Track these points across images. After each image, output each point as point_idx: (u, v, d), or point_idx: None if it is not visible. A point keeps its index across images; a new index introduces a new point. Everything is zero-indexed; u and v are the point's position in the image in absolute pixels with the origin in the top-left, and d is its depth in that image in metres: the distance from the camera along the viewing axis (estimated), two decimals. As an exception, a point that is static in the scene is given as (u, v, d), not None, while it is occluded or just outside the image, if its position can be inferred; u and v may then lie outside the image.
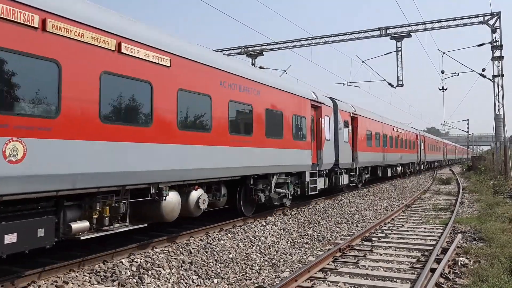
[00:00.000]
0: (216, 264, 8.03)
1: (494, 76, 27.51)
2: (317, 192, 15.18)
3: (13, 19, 5.40)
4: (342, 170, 18.21)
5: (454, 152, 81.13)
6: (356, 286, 7.02)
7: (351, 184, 19.67)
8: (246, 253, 9.01)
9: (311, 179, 14.69)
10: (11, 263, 7.03)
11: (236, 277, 7.65)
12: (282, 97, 12.76)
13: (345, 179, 18.60)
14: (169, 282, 6.92)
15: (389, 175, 27.41)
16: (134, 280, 6.67)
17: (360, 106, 22.26)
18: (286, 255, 9.42)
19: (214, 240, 9.22)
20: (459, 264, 8.25)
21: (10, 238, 5.43)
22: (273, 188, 12.36)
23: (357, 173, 20.36)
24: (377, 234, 11.40)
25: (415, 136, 36.04)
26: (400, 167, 30.79)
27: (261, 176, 11.85)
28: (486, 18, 26.84)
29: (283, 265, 8.60)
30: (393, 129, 27.80)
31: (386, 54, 29.87)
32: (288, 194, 13.30)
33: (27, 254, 7.56)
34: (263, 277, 7.72)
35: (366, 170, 22.46)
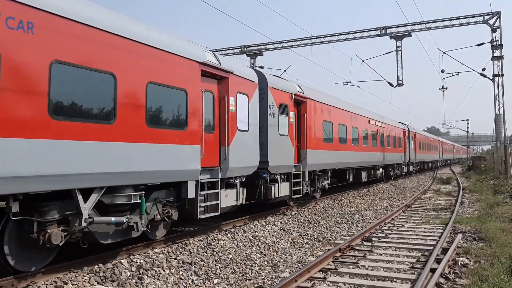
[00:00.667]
0: (215, 265, 8.01)
1: (494, 75, 27.50)
2: (219, 213, 9.68)
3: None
4: (278, 177, 12.51)
5: (452, 151, 75.48)
6: (356, 286, 7.01)
7: (295, 196, 13.74)
8: (246, 253, 9.00)
9: (207, 192, 9.35)
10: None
11: (236, 278, 7.64)
12: (112, 45, 6.95)
13: (283, 189, 12.82)
14: (168, 283, 6.91)
15: (364, 179, 21.61)
16: (134, 281, 6.66)
17: (313, 87, 17.49)
18: (286, 255, 9.41)
19: (214, 240, 9.21)
20: (459, 264, 8.24)
21: None
22: (84, 217, 6.50)
23: (307, 180, 14.52)
24: (377, 234, 11.38)
25: (402, 132, 31.08)
26: (381, 170, 25.25)
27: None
28: (486, 17, 26.83)
29: (283, 265, 8.58)
30: (369, 122, 22.59)
31: (386, 53, 29.89)
32: (138, 223, 7.50)
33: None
34: (263, 277, 7.71)
35: (326, 175, 16.58)
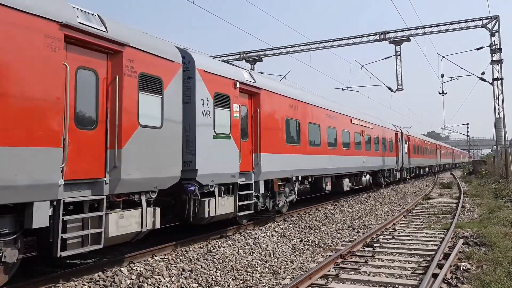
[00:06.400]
0: (216, 272, 7.97)
1: (493, 79, 27.52)
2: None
3: None
4: (216, 189, 9.86)
5: (451, 156, 74.66)
6: (357, 293, 6.96)
7: (242, 213, 10.95)
8: (246, 260, 8.96)
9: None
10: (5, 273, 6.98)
11: (236, 285, 7.59)
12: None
13: (224, 205, 10.21)
14: (169, 291, 6.86)
15: (346, 188, 19.22)
16: (134, 289, 6.61)
17: (268, 76, 15.12)
18: (287, 261, 9.36)
19: (214, 247, 9.17)
20: (461, 269, 8.19)
21: None
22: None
23: (262, 191, 11.77)
24: (378, 240, 11.33)
25: (393, 134, 28.87)
26: (368, 176, 22.74)
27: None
28: (485, 21, 26.89)
29: (284, 272, 8.53)
30: (352, 121, 20.19)
31: (385, 58, 29.96)
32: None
33: (25, 264, 7.53)
34: (263, 284, 7.66)
35: (292, 185, 13.87)
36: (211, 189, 9.65)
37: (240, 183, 10.80)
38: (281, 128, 12.99)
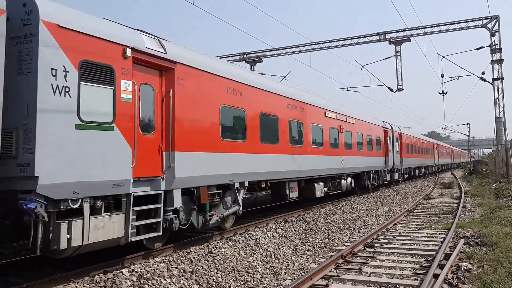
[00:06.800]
0: (217, 273, 7.96)
1: (494, 79, 27.51)
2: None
3: None
4: (86, 205, 6.47)
5: (450, 155, 72.16)
6: (358, 294, 6.96)
7: (141, 236, 7.75)
8: (247, 261, 8.95)
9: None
10: (8, 274, 6.99)
11: (237, 286, 7.59)
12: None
13: (102, 229, 6.52)
14: (169, 292, 6.85)
15: (319, 194, 15.66)
16: (135, 290, 6.61)
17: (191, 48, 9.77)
18: (287, 262, 9.35)
19: (215, 248, 9.16)
20: (462, 269, 8.18)
21: None
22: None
23: (179, 204, 8.54)
24: (379, 240, 11.32)
25: (382, 131, 25.84)
26: (350, 179, 19.51)
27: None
28: (484, 21, 26.88)
29: (285, 272, 8.53)
30: (326, 114, 16.84)
31: (386, 58, 29.94)
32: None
33: (27, 264, 7.54)
34: (264, 285, 7.66)
35: (233, 194, 10.69)
36: (75, 205, 6.32)
37: (137, 194, 7.44)
38: (214, 119, 9.66)
